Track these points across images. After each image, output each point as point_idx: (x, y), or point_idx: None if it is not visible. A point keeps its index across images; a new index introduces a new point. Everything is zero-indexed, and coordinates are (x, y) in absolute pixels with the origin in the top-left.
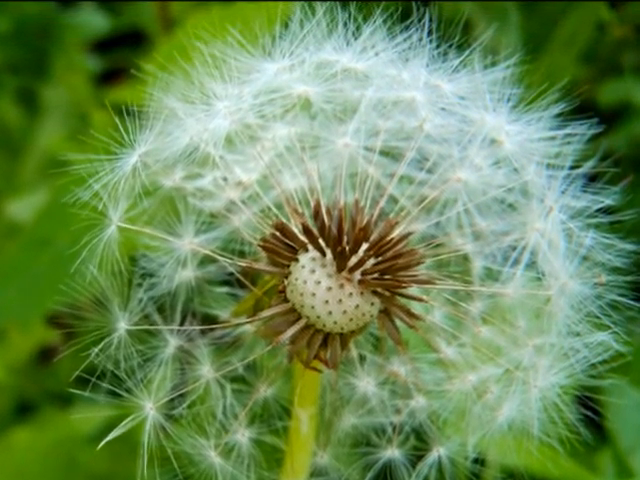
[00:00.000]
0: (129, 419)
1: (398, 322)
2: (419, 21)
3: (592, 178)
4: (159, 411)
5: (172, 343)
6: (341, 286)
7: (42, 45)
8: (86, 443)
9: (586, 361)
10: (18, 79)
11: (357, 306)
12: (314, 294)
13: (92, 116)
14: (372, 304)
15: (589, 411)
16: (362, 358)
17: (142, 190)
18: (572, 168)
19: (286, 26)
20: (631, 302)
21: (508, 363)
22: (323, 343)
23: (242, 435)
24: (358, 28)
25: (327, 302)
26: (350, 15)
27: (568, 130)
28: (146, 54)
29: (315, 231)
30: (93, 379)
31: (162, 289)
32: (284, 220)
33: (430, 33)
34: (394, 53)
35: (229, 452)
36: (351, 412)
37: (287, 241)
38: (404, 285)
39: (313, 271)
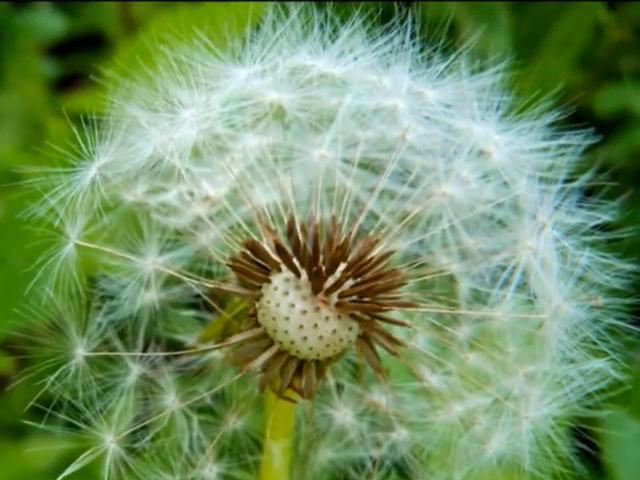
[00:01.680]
0: (88, 453)
1: (378, 348)
2: (401, 23)
3: (588, 192)
4: (120, 444)
5: (134, 371)
6: (317, 309)
7: None
8: (41, 478)
9: (582, 390)
10: None
11: (334, 331)
12: (288, 318)
13: (48, 125)
14: (350, 329)
15: (585, 444)
16: (340, 387)
17: (102, 205)
18: (567, 182)
19: (258, 28)
20: (630, 326)
21: (497, 392)
22: (297, 371)
23: (210, 470)
24: (335, 30)
25: (302, 327)
26: (327, 16)
27: (562, 140)
28: (106, 58)
29: (289, 250)
30: (49, 410)
31: (123, 312)
32: (255, 238)
33: (413, 36)
34: (374, 57)
35: None
36: (328, 445)
37: (258, 261)
38: (385, 308)
39: (286, 293)
